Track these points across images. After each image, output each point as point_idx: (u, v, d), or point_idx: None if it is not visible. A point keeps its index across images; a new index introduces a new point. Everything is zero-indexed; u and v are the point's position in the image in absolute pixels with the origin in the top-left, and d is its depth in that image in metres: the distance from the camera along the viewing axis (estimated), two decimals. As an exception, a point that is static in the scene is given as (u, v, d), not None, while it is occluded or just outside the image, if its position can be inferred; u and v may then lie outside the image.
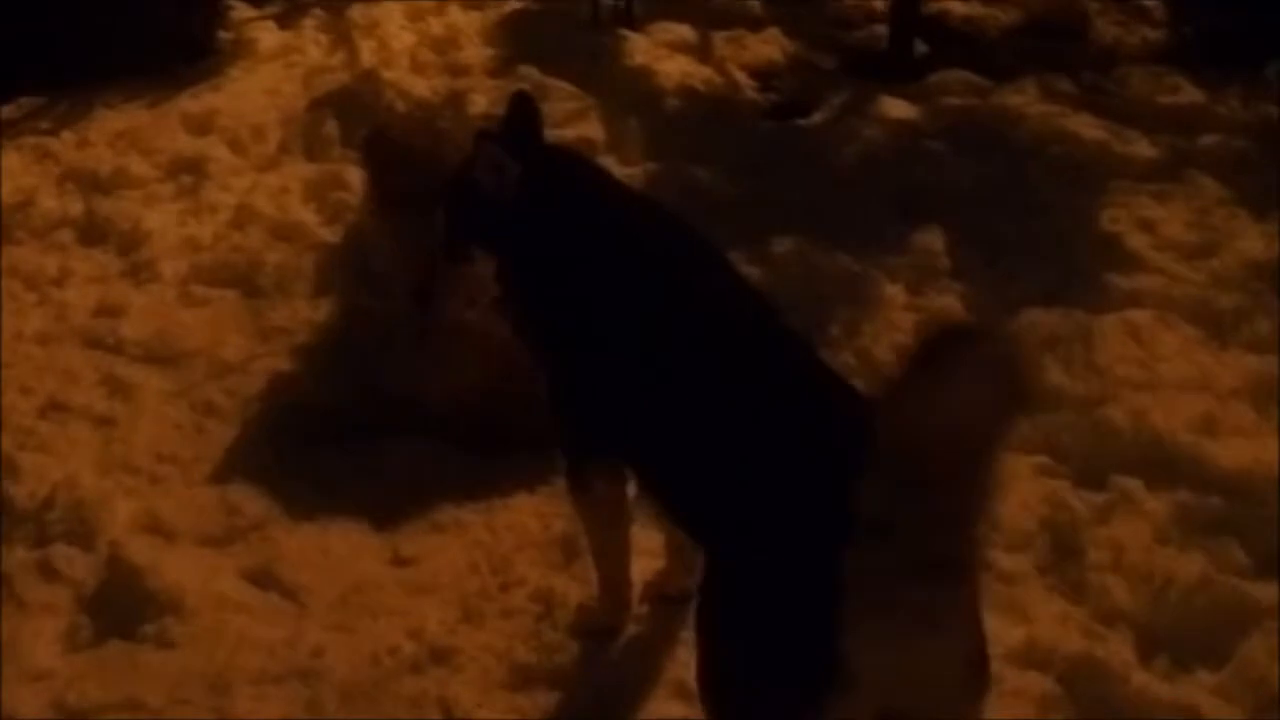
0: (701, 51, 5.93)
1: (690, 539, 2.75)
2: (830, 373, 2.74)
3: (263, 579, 3.51)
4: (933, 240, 4.46)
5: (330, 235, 4.77)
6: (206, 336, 4.42)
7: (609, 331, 2.78)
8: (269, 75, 5.95)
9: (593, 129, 5.12)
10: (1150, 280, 4.25)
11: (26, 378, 4.32)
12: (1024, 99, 5.38)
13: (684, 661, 3.10)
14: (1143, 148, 4.96)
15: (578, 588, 3.36)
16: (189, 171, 5.28)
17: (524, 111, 3.04)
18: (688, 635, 3.13)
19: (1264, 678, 2.99)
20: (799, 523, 2.31)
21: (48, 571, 3.58)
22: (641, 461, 2.84)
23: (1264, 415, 3.76)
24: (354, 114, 5.32)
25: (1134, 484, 3.52)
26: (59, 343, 4.49)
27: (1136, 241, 4.44)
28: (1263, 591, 3.17)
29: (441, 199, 3.07)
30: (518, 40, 5.90)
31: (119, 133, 5.72)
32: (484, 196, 2.93)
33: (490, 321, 3.59)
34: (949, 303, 4.19)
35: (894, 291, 4.32)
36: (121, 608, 3.44)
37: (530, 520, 3.63)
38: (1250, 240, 4.43)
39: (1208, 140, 4.99)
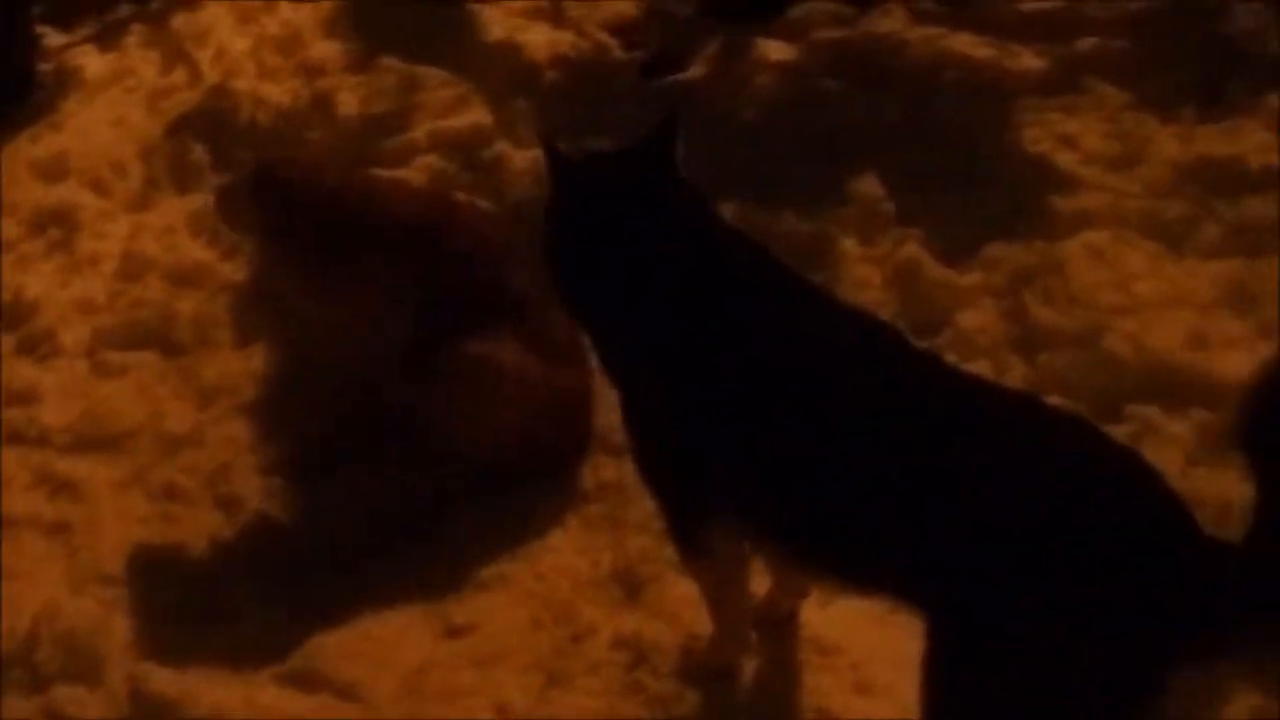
0: (555, 16, 5.34)
1: (886, 597, 2.37)
2: (1011, 392, 2.49)
3: (308, 682, 2.98)
4: (869, 185, 4.09)
5: (235, 272, 4.15)
6: (140, 410, 3.79)
7: (744, 388, 2.36)
8: (108, 105, 5.18)
9: (480, 115, 4.56)
10: (1092, 199, 3.98)
11: (-55, 493, 3.60)
12: (895, 23, 4.98)
13: (812, 688, 2.80)
14: (1030, 60, 4.62)
15: (659, 626, 2.95)
16: (56, 223, 4.56)
17: (661, 137, 2.60)
18: (809, 659, 2.88)
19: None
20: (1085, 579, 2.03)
21: (58, 720, 3.02)
22: (793, 523, 2.38)
23: (1245, 322, 3.56)
24: (217, 134, 4.68)
25: (1151, 411, 3.30)
26: (-30, 447, 3.78)
27: (1064, 159, 4.13)
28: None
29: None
30: (364, 29, 5.21)
31: (-40, 192, 4.88)
32: None
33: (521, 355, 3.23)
34: (911, 251, 3.85)
35: (849, 245, 3.96)
36: (160, 747, 2.90)
37: (576, 559, 3.19)
38: (1166, 143, 4.16)
39: (1087, 44, 4.66)
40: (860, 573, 2.37)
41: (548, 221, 2.60)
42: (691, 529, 2.61)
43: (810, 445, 2.30)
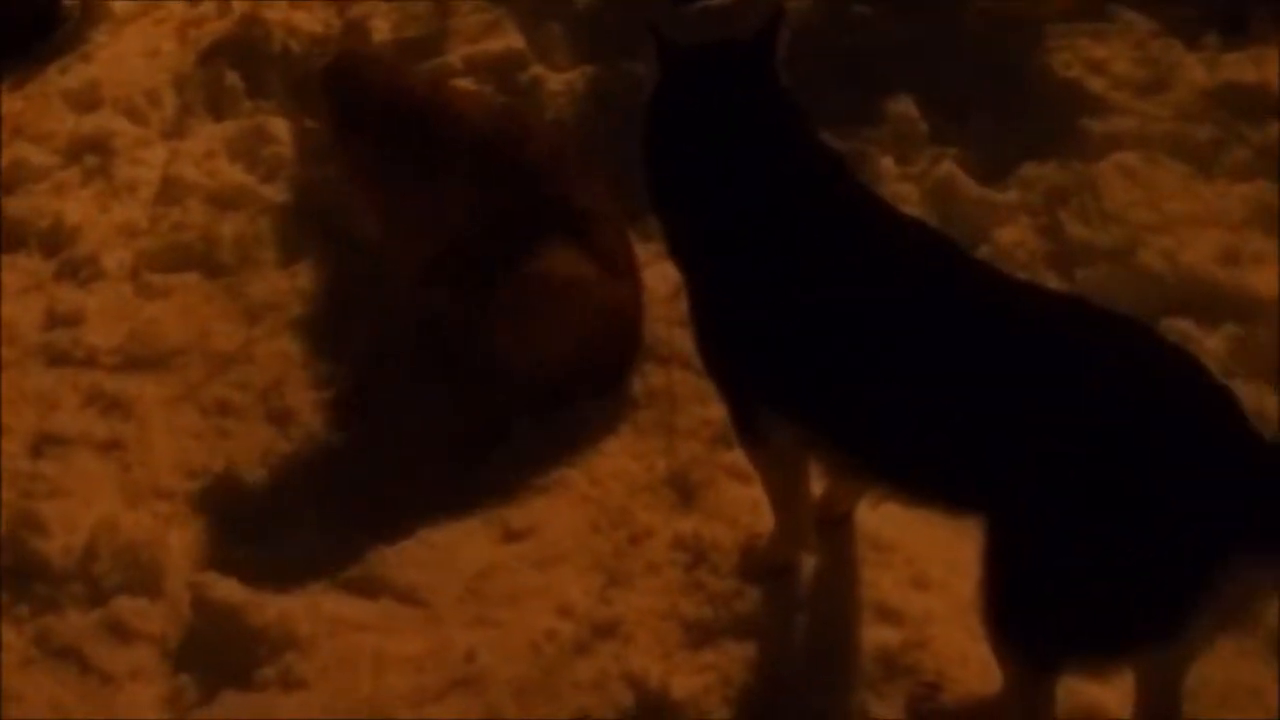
0: (588, -60, 5.25)
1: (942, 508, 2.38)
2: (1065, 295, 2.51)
3: (370, 588, 2.95)
4: (903, 106, 4.04)
5: (276, 194, 4.05)
6: (187, 329, 3.71)
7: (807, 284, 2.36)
8: (139, 36, 5.05)
9: (514, 39, 4.45)
10: (1123, 121, 3.94)
11: (-2, 415, 3.55)
12: (923, -52, 4.99)
13: (870, 583, 2.78)
14: (1057, -13, 4.68)
15: (717, 527, 2.92)
16: (92, 151, 4.44)
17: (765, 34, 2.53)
18: (865, 555, 2.85)
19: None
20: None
21: (119, 631, 2.97)
22: (851, 428, 2.38)
23: (1275, 240, 3.55)
24: (251, 63, 4.57)
25: (1186, 324, 3.29)
26: (17, 368, 3.70)
27: (1094, 84, 4.09)
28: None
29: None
30: (393, -43, 5.15)
31: (-3, 123, 4.78)
32: None
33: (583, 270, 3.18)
34: (948, 170, 3.80)
35: (887, 164, 3.92)
36: (224, 654, 2.86)
37: (630, 465, 3.14)
38: (1192, 70, 4.12)
39: (1112, -28, 4.73)
40: (916, 477, 2.37)
41: (649, 106, 2.54)
42: (752, 419, 2.59)
43: (872, 352, 2.30)
